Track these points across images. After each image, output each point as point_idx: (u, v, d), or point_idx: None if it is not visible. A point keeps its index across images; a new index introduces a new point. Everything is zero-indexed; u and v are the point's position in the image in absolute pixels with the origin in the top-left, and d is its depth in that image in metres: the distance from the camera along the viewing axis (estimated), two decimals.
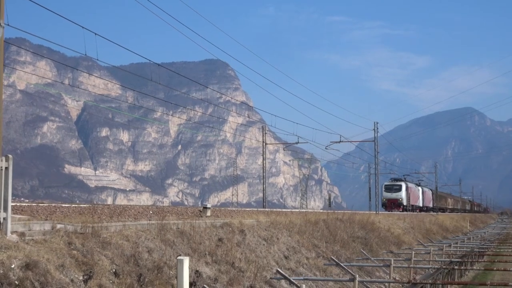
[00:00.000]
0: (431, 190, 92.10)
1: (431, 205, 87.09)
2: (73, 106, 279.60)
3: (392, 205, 65.38)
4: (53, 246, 10.38)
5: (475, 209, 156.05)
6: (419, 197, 77.17)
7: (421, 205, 78.47)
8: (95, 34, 20.12)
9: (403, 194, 66.90)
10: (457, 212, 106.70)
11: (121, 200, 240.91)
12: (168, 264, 12.66)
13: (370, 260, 24.61)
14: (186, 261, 9.90)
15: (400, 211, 60.61)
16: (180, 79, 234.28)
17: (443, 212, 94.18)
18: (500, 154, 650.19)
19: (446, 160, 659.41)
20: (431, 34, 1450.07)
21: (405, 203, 67.09)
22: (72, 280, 9.85)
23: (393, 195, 65.98)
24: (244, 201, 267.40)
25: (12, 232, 10.00)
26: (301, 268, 19.43)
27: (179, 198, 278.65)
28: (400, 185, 67.32)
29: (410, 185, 72.09)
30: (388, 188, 67.93)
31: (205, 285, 12.81)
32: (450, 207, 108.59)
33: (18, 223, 10.54)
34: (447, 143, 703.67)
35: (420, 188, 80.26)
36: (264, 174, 54.52)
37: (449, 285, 22.98)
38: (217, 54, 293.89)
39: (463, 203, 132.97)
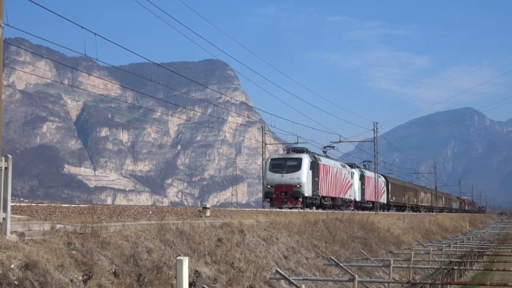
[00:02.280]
0: (384, 177, 63.77)
1: (383, 200, 59.92)
2: (73, 106, 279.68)
3: (283, 195, 37.50)
4: (52, 246, 10.39)
5: (467, 208, 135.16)
6: (351, 185, 48.22)
7: (357, 198, 50.42)
8: (95, 34, 20.14)
9: (303, 176, 37.57)
10: (439, 212, 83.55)
11: (120, 200, 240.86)
12: (167, 264, 12.67)
13: (369, 260, 24.63)
14: (186, 261, 9.91)
15: (299, 208, 36.07)
16: (179, 79, 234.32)
17: (416, 211, 72.39)
18: (500, 154, 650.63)
19: (446, 160, 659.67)
20: (431, 34, 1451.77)
21: (308, 193, 38.04)
22: (71, 280, 9.86)
23: (285, 178, 37.61)
24: (244, 201, 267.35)
25: (11, 232, 10.01)
26: (300, 268, 19.44)
27: (178, 198, 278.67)
28: (299, 160, 38.16)
29: (324, 162, 42.42)
30: (277, 166, 38.59)
31: (204, 285, 12.82)
32: (424, 204, 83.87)
33: (17, 223, 10.55)
34: (447, 143, 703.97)
35: (356, 171, 51.15)
36: (264, 174, 54.50)
37: (448, 285, 23.00)
38: (217, 54, 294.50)
39: (448, 201, 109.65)
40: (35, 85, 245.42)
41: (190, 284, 11.86)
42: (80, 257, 10.65)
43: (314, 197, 39.47)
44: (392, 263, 21.82)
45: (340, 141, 55.01)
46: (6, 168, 9.90)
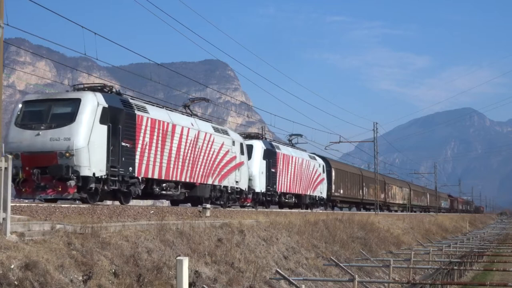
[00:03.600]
0: (324, 160, 44.69)
1: (319, 193, 40.86)
2: None
3: (37, 174, 17.14)
4: (52, 247, 10.39)
5: (460, 207, 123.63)
6: (240, 164, 28.31)
7: (259, 188, 30.89)
8: (95, 34, 20.15)
9: (79, 134, 17.46)
10: (421, 212, 74.25)
11: None
12: (167, 264, 12.67)
13: (369, 261, 24.62)
14: (186, 262, 9.91)
15: (68, 198, 17.84)
16: (179, 79, 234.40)
17: (387, 211, 59.12)
18: (499, 154, 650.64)
19: (446, 160, 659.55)
20: (431, 34, 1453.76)
21: (93, 169, 17.61)
22: (71, 281, 9.86)
23: (42, 140, 17.62)
24: None
25: (11, 233, 10.01)
26: (300, 269, 19.43)
27: None
28: (76, 103, 18.03)
29: (159, 116, 22.66)
30: (31, 116, 18.89)
31: (204, 286, 12.81)
32: (398, 202, 68.40)
33: (17, 224, 10.55)
34: (447, 143, 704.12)
35: (257, 144, 32.13)
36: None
37: (448, 286, 22.99)
38: (217, 54, 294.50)
39: (437, 198, 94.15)
40: (35, 85, 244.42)
41: (190, 284, 11.85)
42: (80, 257, 10.65)
43: (118, 178, 19.18)
44: (392, 263, 21.81)
45: (340, 141, 54.99)
46: (6, 169, 9.90)
